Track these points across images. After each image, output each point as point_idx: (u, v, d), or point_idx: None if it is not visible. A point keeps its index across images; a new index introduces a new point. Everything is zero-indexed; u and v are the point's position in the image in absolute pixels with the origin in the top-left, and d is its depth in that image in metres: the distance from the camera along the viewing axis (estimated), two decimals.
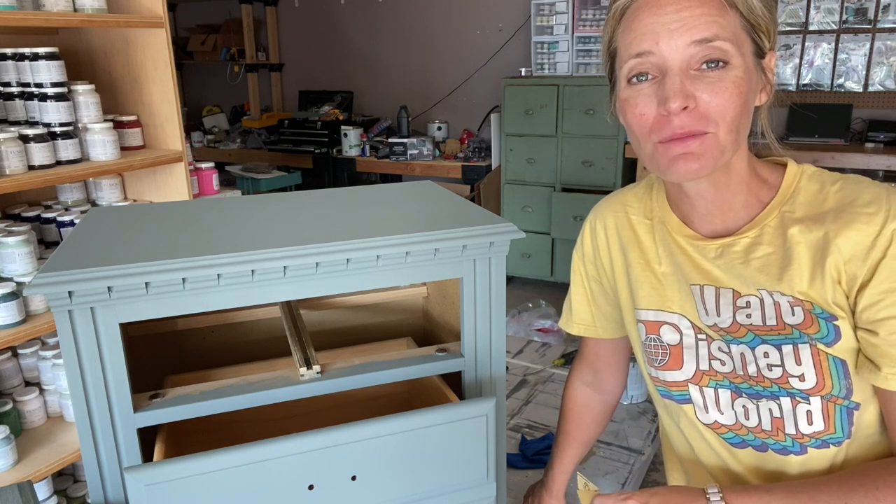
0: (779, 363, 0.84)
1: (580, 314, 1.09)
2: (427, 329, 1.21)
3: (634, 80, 0.80)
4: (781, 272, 0.83)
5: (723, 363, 0.90)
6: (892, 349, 0.77)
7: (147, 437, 0.84)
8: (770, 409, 0.87)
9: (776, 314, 0.84)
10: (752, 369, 0.87)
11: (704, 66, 0.76)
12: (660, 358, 0.95)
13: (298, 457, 0.78)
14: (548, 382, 2.99)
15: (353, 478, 0.81)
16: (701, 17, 0.75)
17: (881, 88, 3.31)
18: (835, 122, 3.35)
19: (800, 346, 0.82)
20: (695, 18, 0.75)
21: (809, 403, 0.84)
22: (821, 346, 0.81)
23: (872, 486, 0.76)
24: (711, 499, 0.77)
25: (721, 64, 0.76)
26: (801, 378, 0.83)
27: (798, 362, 0.83)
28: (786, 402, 0.85)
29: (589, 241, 1.04)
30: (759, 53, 0.80)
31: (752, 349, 0.86)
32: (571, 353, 3.22)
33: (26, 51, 1.75)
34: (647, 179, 0.98)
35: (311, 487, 0.79)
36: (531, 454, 2.39)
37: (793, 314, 0.82)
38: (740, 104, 0.77)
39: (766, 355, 0.85)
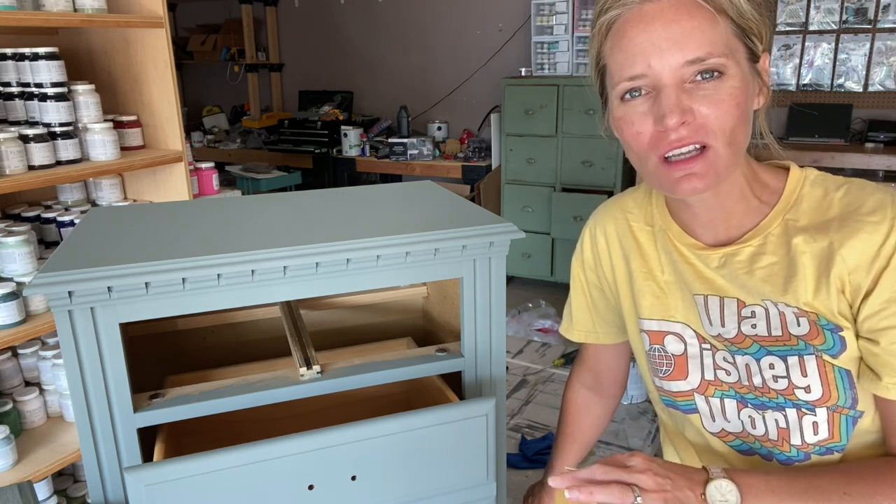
0: (784, 375, 0.83)
1: (581, 321, 1.08)
2: (427, 329, 1.21)
3: (628, 96, 0.78)
4: (786, 283, 0.82)
5: (728, 373, 0.89)
6: (892, 359, 0.77)
7: (147, 437, 0.84)
8: (776, 420, 0.86)
9: (782, 325, 0.82)
10: (757, 380, 0.86)
11: (699, 77, 0.74)
12: (664, 368, 0.94)
13: (298, 457, 0.77)
14: (548, 382, 2.99)
15: (353, 478, 0.81)
16: (692, 33, 0.73)
17: (881, 88, 3.31)
18: (835, 122, 3.35)
19: (805, 357, 0.81)
20: (685, 35, 0.73)
21: (815, 415, 0.83)
22: (826, 357, 0.80)
23: (871, 479, 0.76)
24: (713, 475, 0.74)
25: (717, 74, 0.74)
26: (807, 389, 0.82)
27: (804, 374, 0.82)
28: (791, 413, 0.84)
29: (589, 248, 1.03)
30: (754, 58, 0.78)
31: (758, 360, 0.85)
32: (571, 352, 3.22)
33: (26, 51, 1.75)
34: (646, 184, 0.97)
35: (311, 487, 0.79)
36: (531, 454, 2.39)
37: (798, 325, 0.81)
38: (738, 115, 0.75)
39: (771, 367, 0.84)
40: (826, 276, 0.79)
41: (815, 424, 0.83)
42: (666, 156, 0.77)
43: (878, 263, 0.76)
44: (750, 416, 0.88)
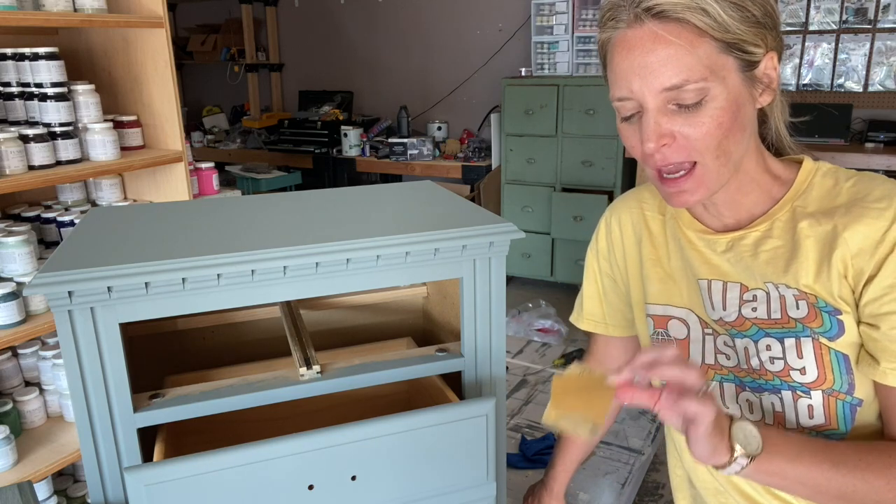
0: (780, 356, 0.84)
1: (591, 310, 1.11)
2: (427, 329, 1.21)
3: (620, 113, 0.82)
4: (787, 265, 0.83)
5: (728, 357, 0.91)
6: (891, 344, 0.77)
7: (147, 437, 0.84)
8: (773, 403, 0.87)
9: (781, 308, 0.84)
10: (754, 362, 0.87)
11: (676, 106, 0.76)
12: None
13: (298, 457, 0.77)
14: (548, 382, 2.99)
15: (353, 478, 0.81)
16: (668, 62, 0.74)
17: (881, 88, 3.31)
18: (835, 122, 3.34)
19: (802, 339, 0.83)
20: (661, 63, 0.74)
21: (810, 398, 0.84)
22: (823, 340, 0.82)
23: (887, 453, 0.76)
24: (739, 418, 0.76)
25: (696, 102, 0.76)
26: (803, 371, 0.83)
27: (800, 355, 0.83)
28: (787, 395, 0.85)
29: (604, 236, 1.06)
30: (749, 66, 0.78)
31: (756, 342, 0.86)
32: (571, 352, 3.22)
33: (26, 51, 1.75)
34: None
35: (311, 487, 0.79)
36: (531, 454, 2.38)
37: (798, 308, 0.83)
38: (721, 133, 0.77)
39: (768, 348, 0.85)
40: (828, 258, 0.80)
41: (810, 408, 0.84)
42: (659, 169, 0.81)
43: (882, 249, 0.77)
44: (748, 400, 0.90)
